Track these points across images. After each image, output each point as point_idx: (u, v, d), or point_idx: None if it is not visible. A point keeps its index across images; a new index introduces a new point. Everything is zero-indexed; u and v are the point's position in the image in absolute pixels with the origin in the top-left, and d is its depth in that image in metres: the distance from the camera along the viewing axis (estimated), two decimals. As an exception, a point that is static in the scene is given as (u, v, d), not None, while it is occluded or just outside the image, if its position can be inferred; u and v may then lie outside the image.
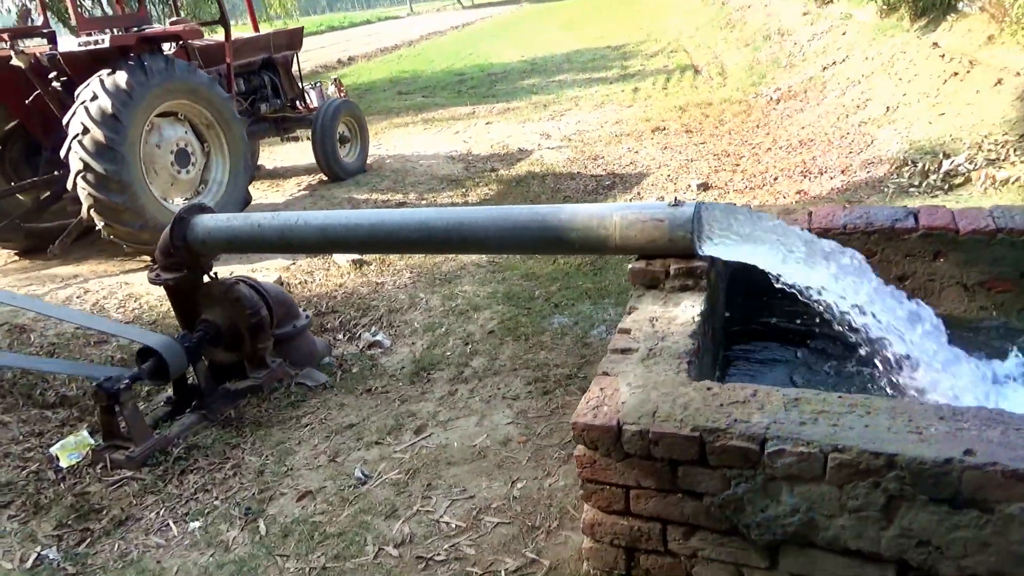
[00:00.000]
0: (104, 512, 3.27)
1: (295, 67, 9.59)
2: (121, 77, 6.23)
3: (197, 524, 3.11)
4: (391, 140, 11.68)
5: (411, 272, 5.92)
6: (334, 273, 6.11)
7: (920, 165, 5.74)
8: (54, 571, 2.93)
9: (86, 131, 6.12)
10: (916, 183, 5.55)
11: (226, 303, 4.09)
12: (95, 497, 3.38)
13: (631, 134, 10.52)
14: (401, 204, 8.01)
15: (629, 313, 2.81)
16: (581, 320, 4.28)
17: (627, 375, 2.36)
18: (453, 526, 2.78)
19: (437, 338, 4.58)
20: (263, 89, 9.05)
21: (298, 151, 10.93)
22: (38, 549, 3.06)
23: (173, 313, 5.45)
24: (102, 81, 6.23)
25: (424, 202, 8.05)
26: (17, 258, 7.38)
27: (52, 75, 6.76)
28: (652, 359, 2.45)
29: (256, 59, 8.94)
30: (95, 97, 6.18)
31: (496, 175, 8.97)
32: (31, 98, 6.79)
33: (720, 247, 2.85)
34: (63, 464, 3.68)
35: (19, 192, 7.22)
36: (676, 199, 2.96)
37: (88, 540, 3.10)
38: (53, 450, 3.79)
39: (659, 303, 2.84)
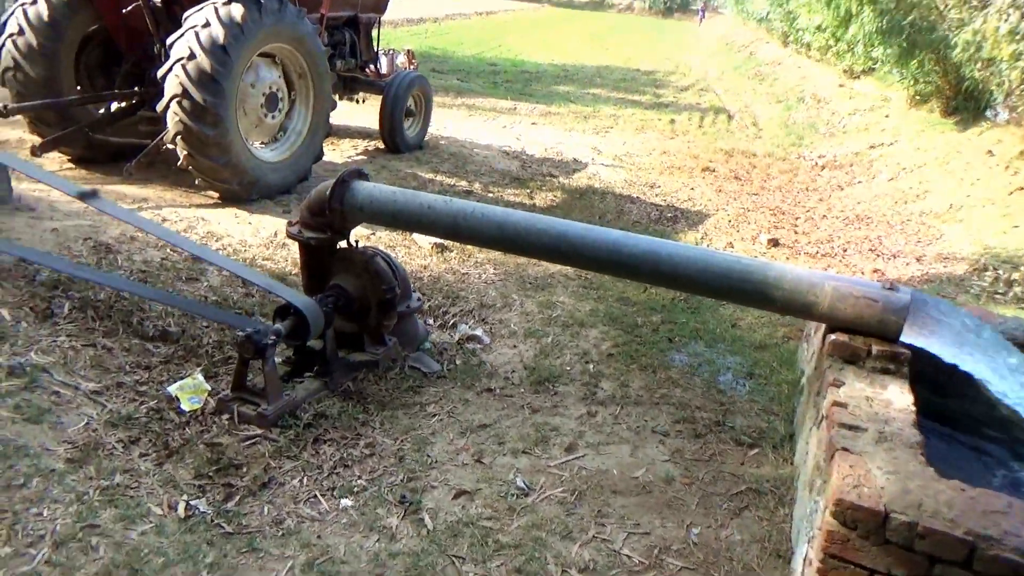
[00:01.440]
0: (244, 470, 3.19)
1: (375, 30, 9.43)
2: (237, 10, 6.05)
3: (349, 503, 3.05)
4: (439, 120, 11.56)
5: (495, 268, 5.88)
6: (416, 253, 6.04)
7: (1002, 274, 5.96)
8: (208, 526, 2.84)
9: (192, 56, 5.92)
10: (1000, 291, 5.76)
11: (364, 274, 4.02)
12: (229, 451, 3.29)
13: (682, 169, 10.64)
14: (467, 193, 7.95)
15: (836, 386, 2.85)
16: (703, 363, 4.32)
17: (872, 457, 2.41)
18: (636, 561, 2.79)
19: (545, 348, 4.56)
20: (342, 46, 8.88)
21: (349, 111, 10.74)
22: (184, 498, 2.96)
23: (260, 263, 5.34)
24: (216, 10, 6.03)
25: (491, 196, 8.00)
26: (72, 165, 7.09)
27: (157, -9, 6.52)
28: (886, 443, 2.49)
29: (343, 15, 8.77)
30: (207, 24, 5.99)
31: (556, 182, 8.97)
32: (129, 8, 6.54)
33: (932, 342, 2.92)
34: (184, 407, 3.56)
35: (95, 101, 6.94)
36: (891, 283, 3.02)
37: (235, 498, 3.02)
38: (171, 390, 3.67)
39: (864, 381, 2.89)
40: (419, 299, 4.60)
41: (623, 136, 12.59)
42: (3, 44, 6.49)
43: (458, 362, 4.44)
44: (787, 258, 6.98)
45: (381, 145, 9.24)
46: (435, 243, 6.17)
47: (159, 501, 2.93)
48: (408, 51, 10.31)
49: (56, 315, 4.23)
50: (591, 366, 4.28)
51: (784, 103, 18.60)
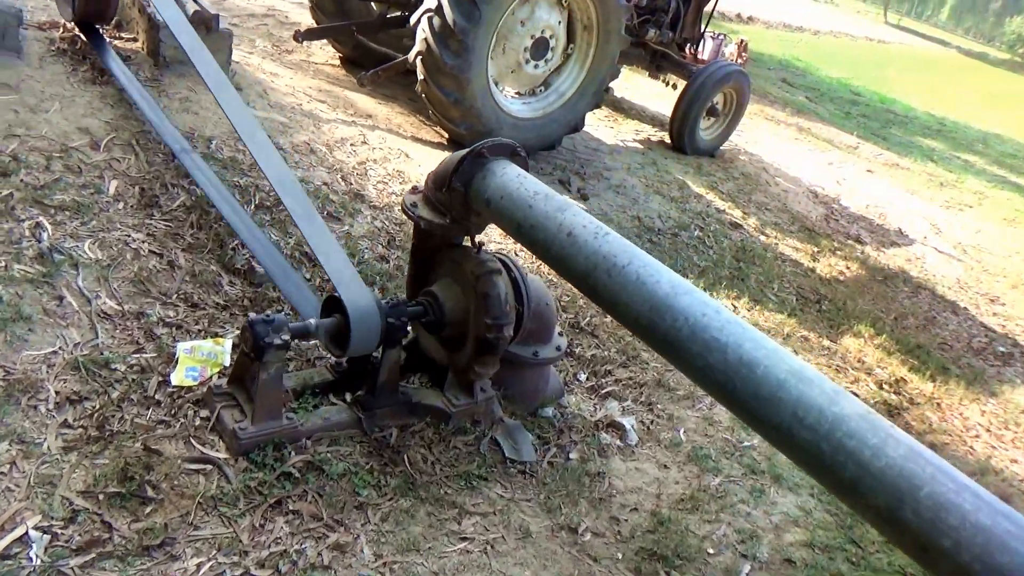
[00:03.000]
0: (148, 510, 2.17)
1: (710, 7, 7.90)
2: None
3: (223, 646, 1.91)
4: (755, 132, 9.76)
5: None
6: (619, 279, 4.63)
7: None
8: (13, 583, 1.87)
9: (459, -27, 5.01)
10: None
11: (471, 293, 2.77)
12: (159, 470, 2.29)
13: (1047, 291, 7.78)
14: (735, 225, 6.27)
15: None
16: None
17: None
18: None
19: (702, 493, 2.98)
20: (663, 14, 7.49)
21: (653, 92, 9.39)
22: (33, 523, 2.02)
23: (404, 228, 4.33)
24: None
25: (762, 238, 6.24)
26: (336, 63, 6.68)
27: None
28: None
29: (674, -24, 7.38)
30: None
31: (859, 251, 6.88)
32: None
33: None
34: (173, 379, 2.65)
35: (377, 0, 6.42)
36: None
37: (91, 554, 2.01)
38: (181, 348, 2.79)
39: None
40: (561, 348, 3.25)
41: (981, 222, 9.71)
42: None
43: (572, 456, 3.05)
44: None
45: (668, 139, 7.80)
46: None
47: (3, 510, 2.02)
48: (741, 42, 8.62)
49: (160, 207, 3.59)
50: (746, 568, 2.63)
51: None
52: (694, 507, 2.90)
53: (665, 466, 3.17)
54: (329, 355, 2.99)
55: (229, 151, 4.23)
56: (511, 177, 2.55)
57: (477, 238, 2.85)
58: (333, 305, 2.61)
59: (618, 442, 3.27)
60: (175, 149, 3.74)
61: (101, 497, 2.14)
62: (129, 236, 3.33)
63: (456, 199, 2.65)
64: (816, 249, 6.48)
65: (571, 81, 6.04)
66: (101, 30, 4.64)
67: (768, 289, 5.36)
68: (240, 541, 2.17)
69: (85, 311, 2.82)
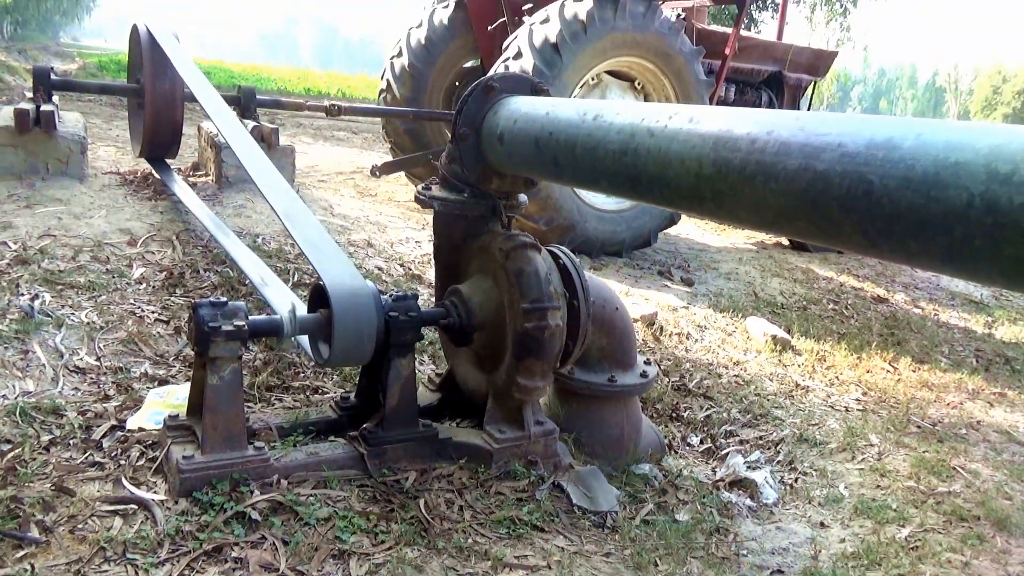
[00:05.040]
0: (20, 555, 1.50)
1: (806, 98, 7.38)
2: (583, 7, 4.79)
3: None
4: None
5: (863, 392, 3.29)
6: (737, 344, 3.77)
7: None
8: None
9: (519, 56, 4.81)
10: None
11: (501, 277, 2.09)
12: (61, 512, 1.64)
13: None
14: (880, 299, 5.26)
15: None
16: None
17: None
18: None
19: (886, 547, 1.95)
20: (751, 107, 7.01)
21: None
22: None
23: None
24: (562, 6, 4.87)
25: (916, 310, 5.16)
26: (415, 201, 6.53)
27: (527, 7, 5.70)
28: None
29: (762, 69, 6.96)
30: (546, 20, 4.85)
31: (1049, 321, 5.57)
32: (494, 26, 5.87)
33: None
34: (130, 422, 2.06)
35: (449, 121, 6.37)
36: None
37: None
38: (151, 393, 2.23)
39: None
40: (649, 376, 2.43)
41: None
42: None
43: (680, 517, 2.13)
44: None
45: (784, 240, 7.00)
46: (775, 335, 3.83)
47: None
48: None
49: (185, 286, 3.22)
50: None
51: None
52: (874, 562, 1.87)
53: (822, 524, 2.16)
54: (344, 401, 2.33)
55: (276, 244, 3.90)
56: (526, 102, 1.95)
57: (500, 216, 2.22)
58: (318, 298, 2.00)
59: (748, 501, 2.31)
60: (207, 225, 3.43)
61: (-41, 538, 1.50)
62: (139, 308, 2.93)
63: (468, 152, 2.07)
64: (991, 319, 5.28)
65: (657, 168, 5.54)
66: (168, 164, 4.65)
67: (936, 352, 4.25)
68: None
69: (53, 365, 2.35)
